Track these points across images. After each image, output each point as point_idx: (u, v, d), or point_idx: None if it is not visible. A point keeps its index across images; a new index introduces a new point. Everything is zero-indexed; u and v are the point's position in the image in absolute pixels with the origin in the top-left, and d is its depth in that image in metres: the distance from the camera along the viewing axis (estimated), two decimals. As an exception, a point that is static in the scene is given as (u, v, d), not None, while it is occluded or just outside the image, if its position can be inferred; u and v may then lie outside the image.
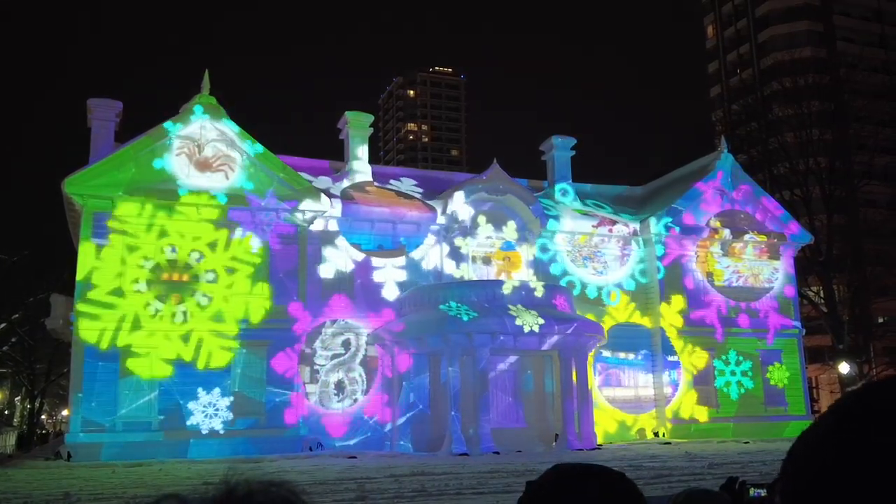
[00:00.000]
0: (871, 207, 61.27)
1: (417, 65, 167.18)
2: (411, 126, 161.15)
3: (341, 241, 35.19)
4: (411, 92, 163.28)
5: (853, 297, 52.11)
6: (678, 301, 39.36)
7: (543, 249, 38.31)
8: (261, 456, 28.40)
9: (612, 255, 39.41)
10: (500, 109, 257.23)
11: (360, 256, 35.30)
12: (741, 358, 39.66)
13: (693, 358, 38.94)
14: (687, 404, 38.29)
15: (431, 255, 36.56)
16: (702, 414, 38.32)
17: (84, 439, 28.76)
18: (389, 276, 35.61)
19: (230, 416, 31.00)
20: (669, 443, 34.26)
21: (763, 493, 4.06)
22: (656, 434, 37.43)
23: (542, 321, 30.86)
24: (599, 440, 33.30)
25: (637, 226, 39.70)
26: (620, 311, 38.99)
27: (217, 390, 30.99)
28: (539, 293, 32.49)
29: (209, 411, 30.77)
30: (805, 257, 48.14)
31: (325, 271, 34.63)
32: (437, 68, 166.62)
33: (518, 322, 30.54)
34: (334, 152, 40.39)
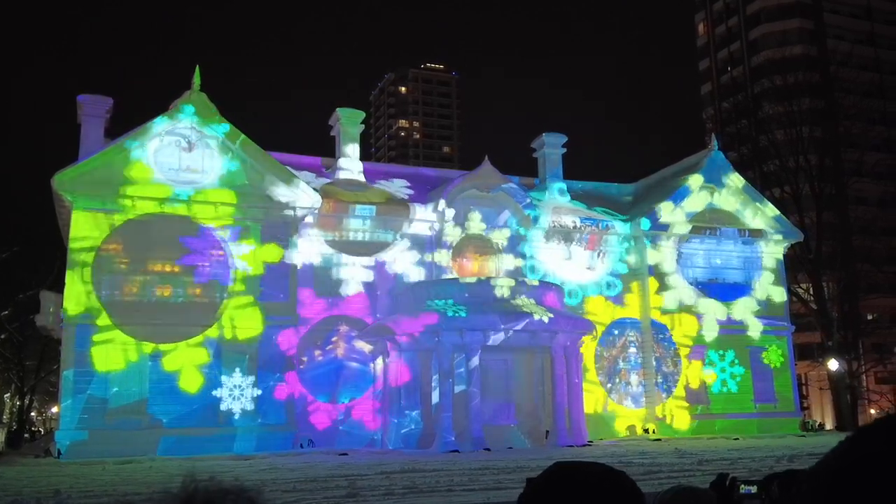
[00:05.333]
0: (861, 205, 61.49)
1: (409, 62, 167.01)
2: (403, 123, 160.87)
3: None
4: (403, 89, 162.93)
5: (842, 294, 52.32)
6: (669, 298, 39.44)
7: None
8: (253, 453, 28.39)
9: (594, 253, 39.32)
10: (493, 107, 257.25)
11: (343, 256, 35.10)
12: (737, 360, 39.73)
13: (685, 354, 39.09)
14: (677, 401, 38.44)
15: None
16: (685, 415, 38.48)
17: (74, 436, 28.67)
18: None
19: (224, 412, 30.95)
20: (660, 439, 34.36)
21: (753, 489, 4.08)
22: (647, 430, 37.54)
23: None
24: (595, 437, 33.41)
25: (618, 224, 39.67)
26: (602, 308, 38.89)
27: (210, 387, 30.93)
28: (531, 291, 32.53)
29: (202, 408, 30.71)
30: (795, 254, 48.32)
31: (315, 267, 34.57)
32: (428, 65, 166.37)
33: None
34: (326, 149, 40.40)
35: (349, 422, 33.58)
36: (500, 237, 37.94)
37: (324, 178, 37.19)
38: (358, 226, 35.49)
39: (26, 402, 55.84)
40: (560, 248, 38.80)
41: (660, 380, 38.50)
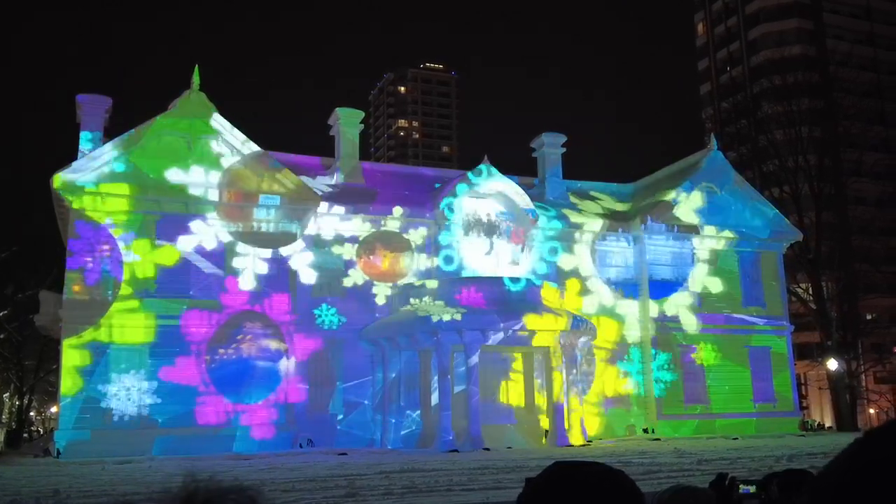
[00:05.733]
0: (860, 205, 61.56)
1: (409, 62, 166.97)
2: (402, 123, 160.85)
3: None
4: (402, 88, 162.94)
5: (841, 294, 52.34)
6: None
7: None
8: (252, 453, 28.40)
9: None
10: (492, 107, 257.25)
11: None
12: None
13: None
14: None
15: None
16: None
17: (73, 436, 28.67)
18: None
19: (222, 411, 30.93)
20: (659, 439, 34.37)
21: (752, 489, 4.08)
22: (646, 430, 37.54)
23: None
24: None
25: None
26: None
27: (204, 386, 30.92)
28: (529, 290, 32.47)
29: (198, 405, 30.68)
30: (794, 254, 48.34)
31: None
32: (428, 65, 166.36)
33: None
34: (326, 149, 40.37)
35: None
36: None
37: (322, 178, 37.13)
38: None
39: (25, 401, 55.83)
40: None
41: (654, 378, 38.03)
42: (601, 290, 38.76)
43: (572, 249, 38.67)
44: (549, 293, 33.88)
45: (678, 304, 39.55)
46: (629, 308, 39.15)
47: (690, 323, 39.55)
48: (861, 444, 1.23)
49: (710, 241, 40.60)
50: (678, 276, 39.81)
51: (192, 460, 25.54)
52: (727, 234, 40.85)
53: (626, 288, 39.28)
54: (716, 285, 40.60)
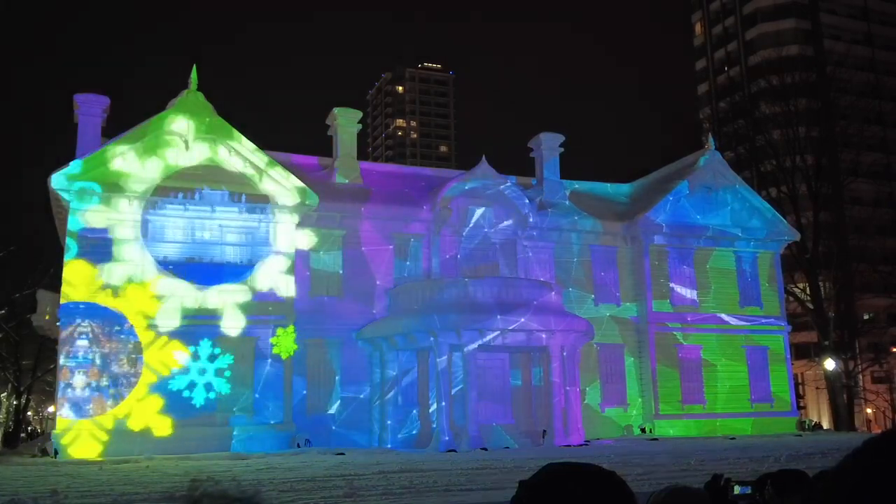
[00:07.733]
0: (857, 205, 61.69)
1: (407, 61, 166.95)
2: (400, 122, 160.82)
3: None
4: (400, 88, 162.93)
5: (839, 293, 52.42)
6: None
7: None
8: (250, 452, 28.38)
9: None
10: (490, 106, 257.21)
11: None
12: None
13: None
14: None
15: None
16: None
17: (71, 436, 28.62)
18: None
19: (221, 412, 30.89)
20: (657, 439, 34.39)
21: (739, 490, 4.11)
22: (643, 430, 37.58)
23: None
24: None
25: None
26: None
27: (206, 385, 30.87)
28: (528, 290, 32.47)
29: (200, 404, 30.65)
30: (791, 254, 48.40)
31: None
32: (426, 64, 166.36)
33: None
34: (324, 149, 40.36)
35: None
36: (502, 233, 37.32)
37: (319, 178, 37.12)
38: None
39: (23, 401, 55.78)
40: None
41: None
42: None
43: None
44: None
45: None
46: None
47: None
48: (866, 446, 1.23)
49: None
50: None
51: (190, 460, 25.54)
52: (722, 233, 40.67)
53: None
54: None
